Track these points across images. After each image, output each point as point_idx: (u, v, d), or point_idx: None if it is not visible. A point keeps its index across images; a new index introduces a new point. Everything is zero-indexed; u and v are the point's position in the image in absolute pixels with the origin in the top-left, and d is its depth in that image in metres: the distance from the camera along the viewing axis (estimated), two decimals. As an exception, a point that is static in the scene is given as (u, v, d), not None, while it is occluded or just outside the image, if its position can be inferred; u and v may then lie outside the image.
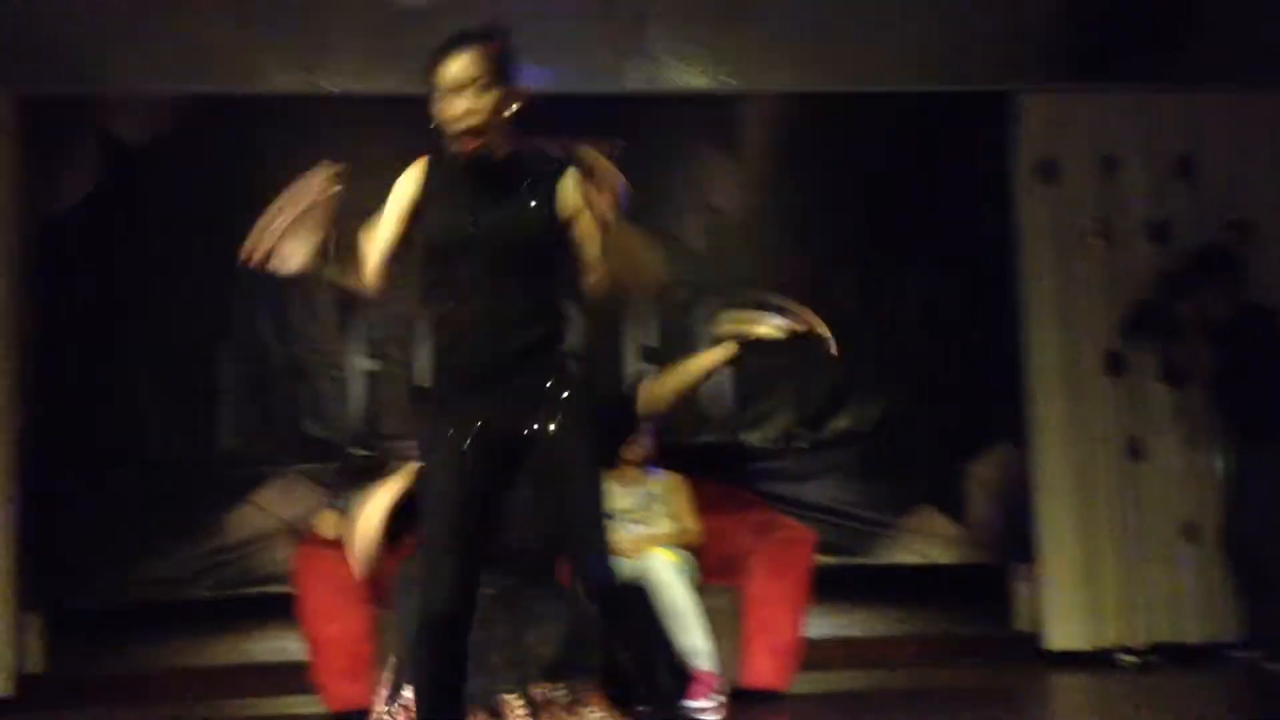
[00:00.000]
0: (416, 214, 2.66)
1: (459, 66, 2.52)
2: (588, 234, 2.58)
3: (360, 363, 5.28)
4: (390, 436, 5.12)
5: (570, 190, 2.59)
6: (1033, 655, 5.08)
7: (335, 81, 5.16)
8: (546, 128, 5.45)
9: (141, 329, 5.15)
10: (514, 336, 2.58)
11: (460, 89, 2.52)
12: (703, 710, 4.03)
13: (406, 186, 2.70)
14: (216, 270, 5.17)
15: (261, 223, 2.47)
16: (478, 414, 2.57)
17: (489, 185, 2.60)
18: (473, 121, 2.52)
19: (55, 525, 4.94)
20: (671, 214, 5.45)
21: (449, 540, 2.53)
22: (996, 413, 5.35)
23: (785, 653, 4.41)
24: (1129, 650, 5.05)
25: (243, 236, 5.46)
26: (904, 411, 5.39)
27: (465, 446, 2.55)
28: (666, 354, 5.39)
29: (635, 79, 5.27)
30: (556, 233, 2.61)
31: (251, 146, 5.23)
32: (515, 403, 2.57)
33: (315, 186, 2.47)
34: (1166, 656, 5.03)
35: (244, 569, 5.13)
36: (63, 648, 5.02)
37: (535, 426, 2.58)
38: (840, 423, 5.41)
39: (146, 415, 5.11)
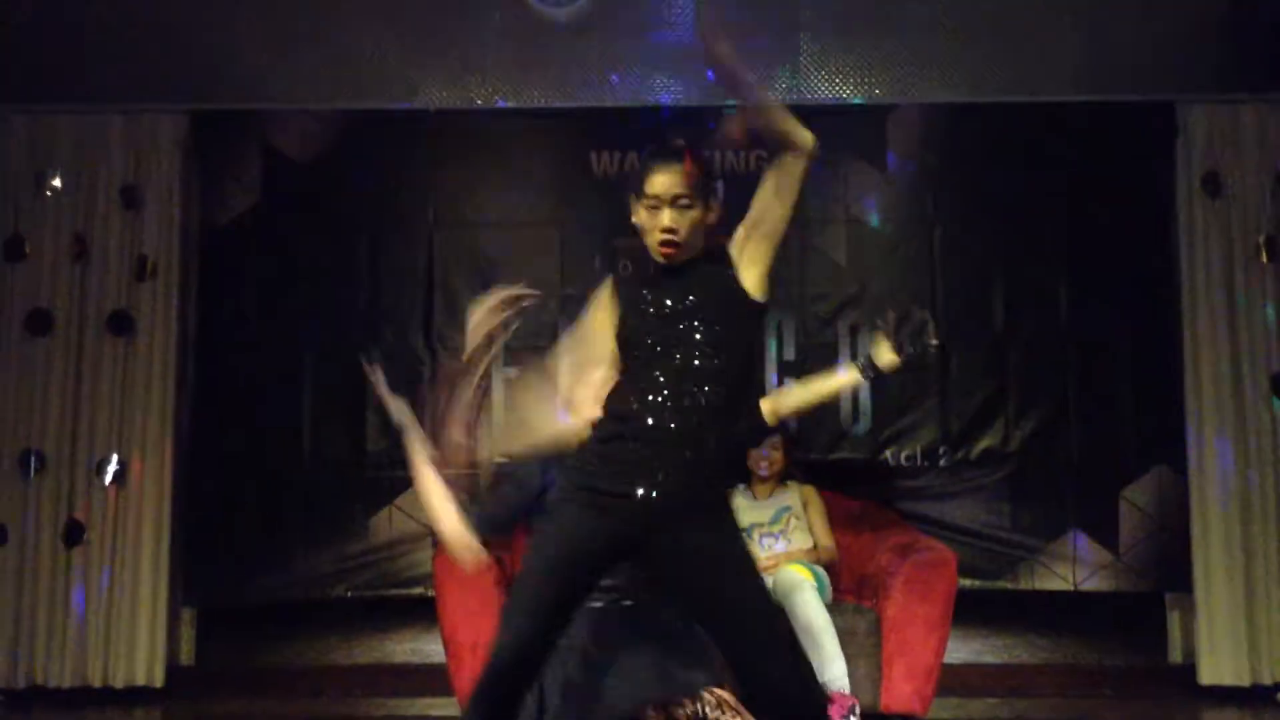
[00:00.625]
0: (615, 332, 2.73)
1: (667, 181, 2.62)
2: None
3: (503, 371, 5.37)
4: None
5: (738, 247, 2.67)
6: (1186, 689, 4.87)
7: (487, 95, 5.26)
8: (698, 138, 5.51)
9: (298, 336, 5.34)
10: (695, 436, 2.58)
11: (666, 202, 2.63)
12: None
13: (599, 313, 2.79)
14: (369, 280, 5.37)
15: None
16: (625, 504, 2.54)
17: (676, 285, 2.69)
18: (674, 237, 2.63)
19: (210, 523, 5.15)
20: (816, 226, 5.41)
21: (533, 604, 2.54)
22: (1153, 435, 5.16)
23: (924, 677, 4.31)
24: (1290, 688, 4.80)
25: (395, 247, 5.65)
26: (1054, 431, 5.24)
27: (596, 530, 2.55)
28: (804, 368, 5.35)
29: (783, 89, 5.24)
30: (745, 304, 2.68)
31: (408, 160, 5.39)
32: (667, 504, 2.53)
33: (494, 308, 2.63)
34: (1331, 696, 4.77)
35: (386, 571, 5.26)
36: (212, 641, 5.23)
37: (682, 536, 2.53)
38: (987, 441, 5.28)
39: (300, 420, 5.29)
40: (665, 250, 2.64)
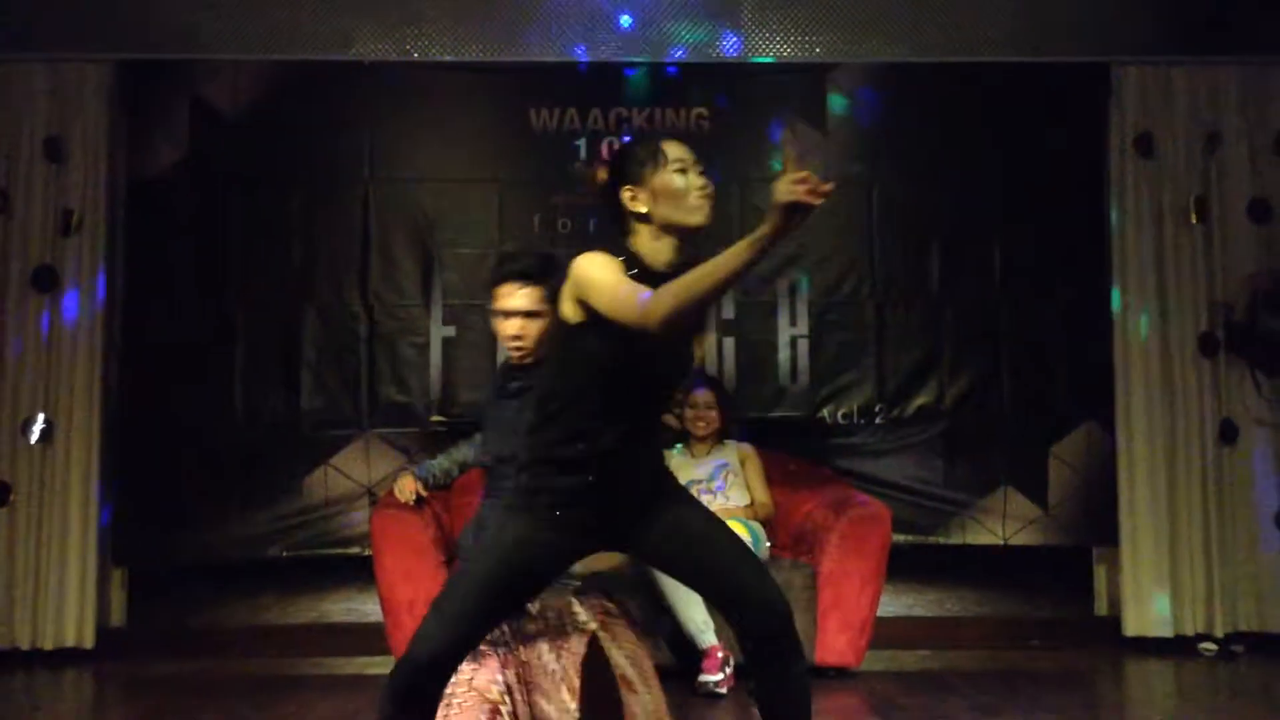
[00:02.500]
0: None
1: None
2: None
3: (439, 330, 5.33)
4: (467, 403, 5.18)
5: None
6: (1111, 640, 5.00)
7: (424, 48, 5.18)
8: (625, 94, 5.44)
9: (228, 293, 5.25)
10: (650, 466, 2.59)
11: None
12: None
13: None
14: (303, 236, 5.28)
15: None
16: (581, 529, 2.51)
17: None
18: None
19: (141, 483, 5.07)
20: (755, 185, 5.40)
21: (461, 619, 2.46)
22: (1083, 393, 5.25)
23: (858, 630, 4.39)
24: (1210, 638, 4.94)
25: (329, 202, 5.56)
26: (987, 389, 5.32)
27: (543, 554, 2.50)
28: (743, 327, 5.37)
29: (726, 47, 5.22)
30: None
31: (342, 114, 5.30)
32: (624, 517, 2.54)
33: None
34: (1250, 645, 4.92)
35: (322, 531, 5.22)
36: (144, 603, 5.16)
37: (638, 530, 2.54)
38: (921, 399, 5.34)
39: (233, 378, 5.21)
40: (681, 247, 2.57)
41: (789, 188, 2.20)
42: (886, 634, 4.71)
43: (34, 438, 4.85)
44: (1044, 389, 5.31)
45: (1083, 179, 5.28)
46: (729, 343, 5.39)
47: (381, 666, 4.54)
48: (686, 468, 4.73)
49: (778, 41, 5.25)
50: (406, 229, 5.34)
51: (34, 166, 4.94)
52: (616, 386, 2.46)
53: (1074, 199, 5.31)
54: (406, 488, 4.60)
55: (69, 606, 4.82)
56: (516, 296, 3.14)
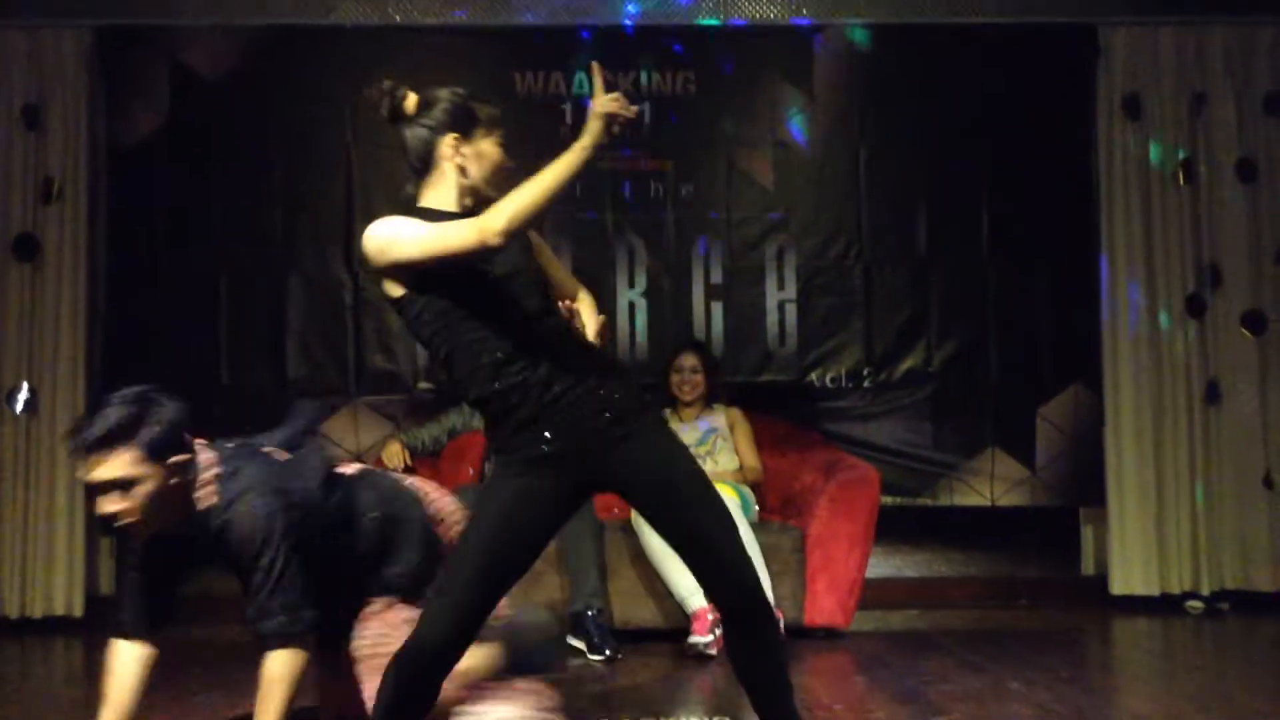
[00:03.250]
0: None
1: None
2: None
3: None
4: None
5: None
6: (1098, 599, 5.04)
7: (406, 12, 5.13)
8: (614, 59, 5.42)
9: (212, 260, 5.21)
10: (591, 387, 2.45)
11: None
12: None
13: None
14: (286, 203, 5.25)
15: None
16: (548, 465, 2.42)
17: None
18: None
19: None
20: (742, 150, 5.39)
21: (465, 589, 2.39)
22: (1070, 354, 5.27)
23: (847, 591, 4.42)
24: (1197, 596, 4.98)
25: (312, 169, 5.53)
26: (974, 352, 5.32)
27: (522, 501, 2.42)
28: (730, 292, 5.36)
29: (710, 9, 5.18)
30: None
31: (324, 79, 5.24)
32: (589, 448, 2.43)
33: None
34: (1236, 604, 4.96)
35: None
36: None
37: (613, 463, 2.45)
38: (909, 362, 5.34)
39: (216, 346, 5.18)
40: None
41: (606, 101, 2.31)
42: (875, 595, 4.74)
43: (18, 407, 4.82)
44: (1031, 351, 5.32)
45: (1070, 141, 5.26)
46: (717, 307, 5.38)
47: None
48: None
49: (764, 4, 5.21)
50: (390, 196, 5.29)
51: (13, 134, 4.90)
52: (482, 318, 2.41)
53: (1062, 161, 5.30)
54: (395, 455, 4.61)
55: (58, 575, 4.81)
56: (99, 468, 2.47)
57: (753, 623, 2.49)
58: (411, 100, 2.52)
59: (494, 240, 2.29)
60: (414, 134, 2.52)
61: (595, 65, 2.44)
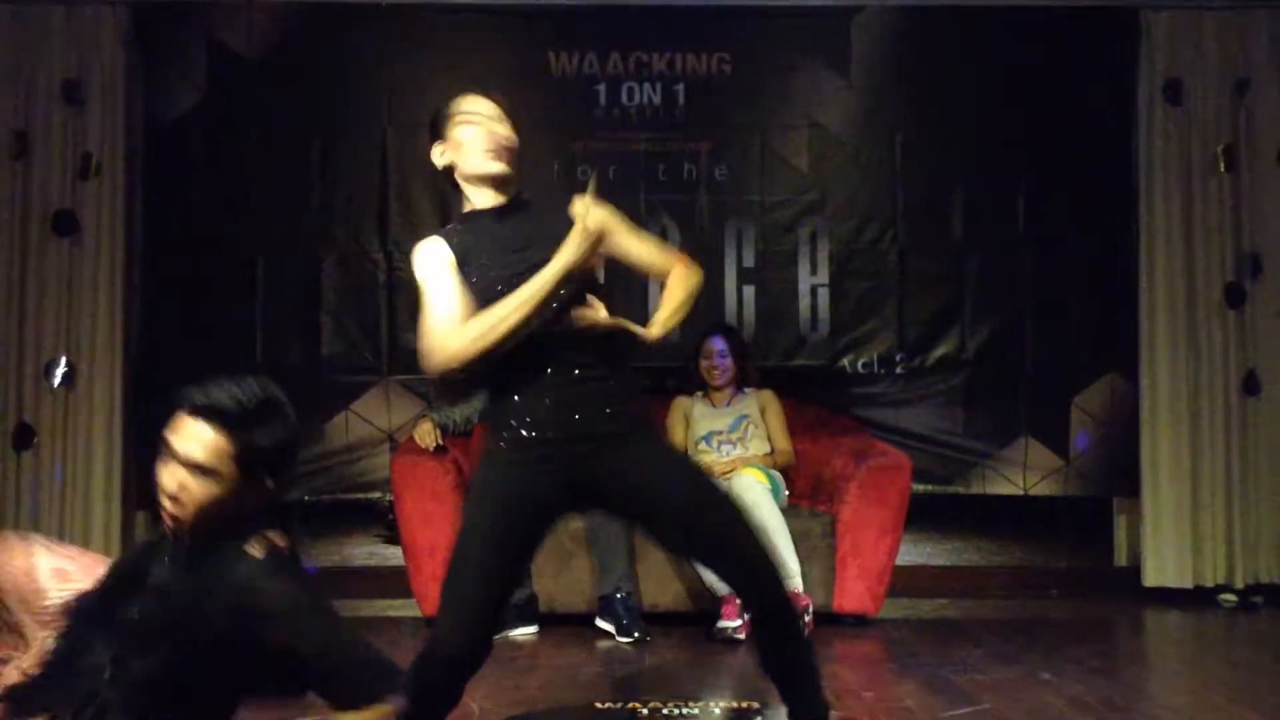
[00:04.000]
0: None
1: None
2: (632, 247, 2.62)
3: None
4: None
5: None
6: (1131, 591, 5.01)
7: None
8: (648, 39, 5.39)
9: (248, 237, 5.24)
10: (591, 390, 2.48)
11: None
12: None
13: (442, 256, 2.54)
14: (321, 181, 5.26)
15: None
16: (537, 459, 2.45)
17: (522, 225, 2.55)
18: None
19: (162, 427, 5.08)
20: (777, 132, 5.35)
21: (477, 582, 2.42)
22: (1106, 343, 5.21)
23: (876, 578, 4.41)
24: (1230, 589, 4.94)
25: (348, 148, 5.54)
26: (1009, 339, 5.27)
27: (512, 492, 2.46)
28: (763, 275, 5.34)
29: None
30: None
31: (360, 57, 5.25)
32: (579, 441, 2.45)
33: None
34: (1270, 598, 4.92)
35: (343, 475, 5.24)
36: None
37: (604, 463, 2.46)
38: (943, 349, 5.30)
39: (254, 323, 5.21)
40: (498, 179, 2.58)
41: (597, 218, 2.37)
42: (905, 583, 4.73)
43: (56, 381, 4.87)
44: (1067, 339, 5.26)
45: (1110, 126, 5.20)
46: (749, 291, 5.35)
47: (403, 609, 4.58)
48: (706, 418, 4.73)
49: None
50: (425, 175, 5.29)
51: (52, 110, 4.93)
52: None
53: (1101, 147, 5.23)
54: (427, 433, 4.63)
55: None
56: (189, 438, 2.18)
57: (776, 620, 2.50)
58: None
59: (449, 366, 2.39)
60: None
61: (592, 178, 2.46)
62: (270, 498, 2.24)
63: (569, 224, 2.48)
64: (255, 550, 2.17)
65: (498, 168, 2.54)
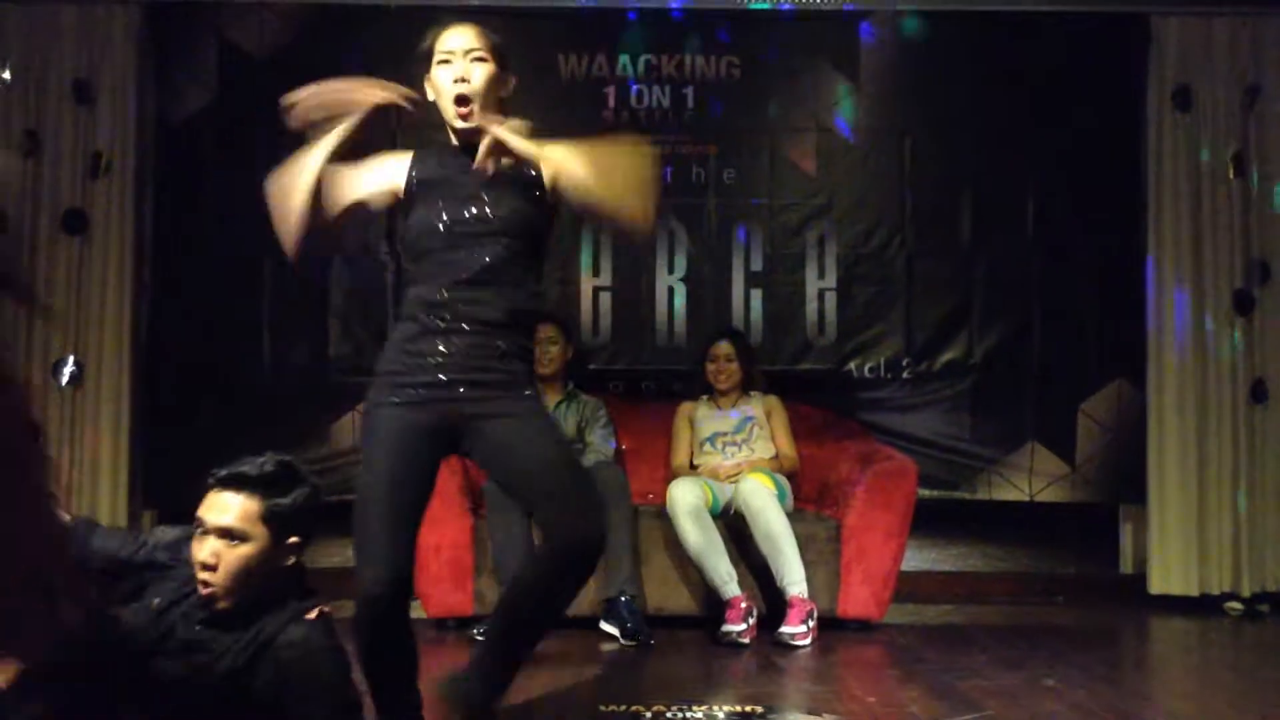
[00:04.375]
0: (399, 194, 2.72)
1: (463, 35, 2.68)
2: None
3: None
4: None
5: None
6: (1136, 598, 4.99)
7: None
8: (658, 42, 5.39)
9: (257, 237, 5.22)
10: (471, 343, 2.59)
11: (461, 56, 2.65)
12: (795, 636, 4.05)
13: (388, 159, 2.76)
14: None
15: (322, 86, 2.63)
16: (431, 395, 2.56)
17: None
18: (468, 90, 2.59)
19: (170, 426, 5.11)
20: (785, 135, 5.35)
21: (385, 520, 2.51)
22: (1114, 349, 5.21)
23: (882, 583, 4.40)
24: (1236, 598, 4.92)
25: (357, 148, 5.52)
26: (1016, 344, 5.27)
27: (395, 426, 2.56)
28: (771, 279, 5.34)
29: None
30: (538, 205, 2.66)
31: (369, 58, 5.24)
32: (470, 388, 2.56)
33: (385, 93, 2.57)
34: (1276, 606, 4.90)
35: (349, 476, 5.23)
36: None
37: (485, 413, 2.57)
38: (950, 354, 5.30)
39: (260, 323, 5.22)
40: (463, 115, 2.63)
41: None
42: (910, 588, 4.73)
43: (64, 380, 4.88)
44: (1074, 345, 5.26)
45: (1119, 132, 5.19)
46: (756, 294, 5.36)
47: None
48: (712, 420, 4.73)
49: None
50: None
51: (63, 108, 4.94)
52: (406, 244, 2.67)
53: (1110, 152, 5.23)
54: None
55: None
56: (218, 507, 2.36)
57: (545, 574, 2.56)
58: None
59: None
60: None
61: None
62: (300, 562, 2.39)
63: (519, 170, 2.58)
64: (311, 614, 2.33)
65: (461, 125, 2.63)
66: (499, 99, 2.65)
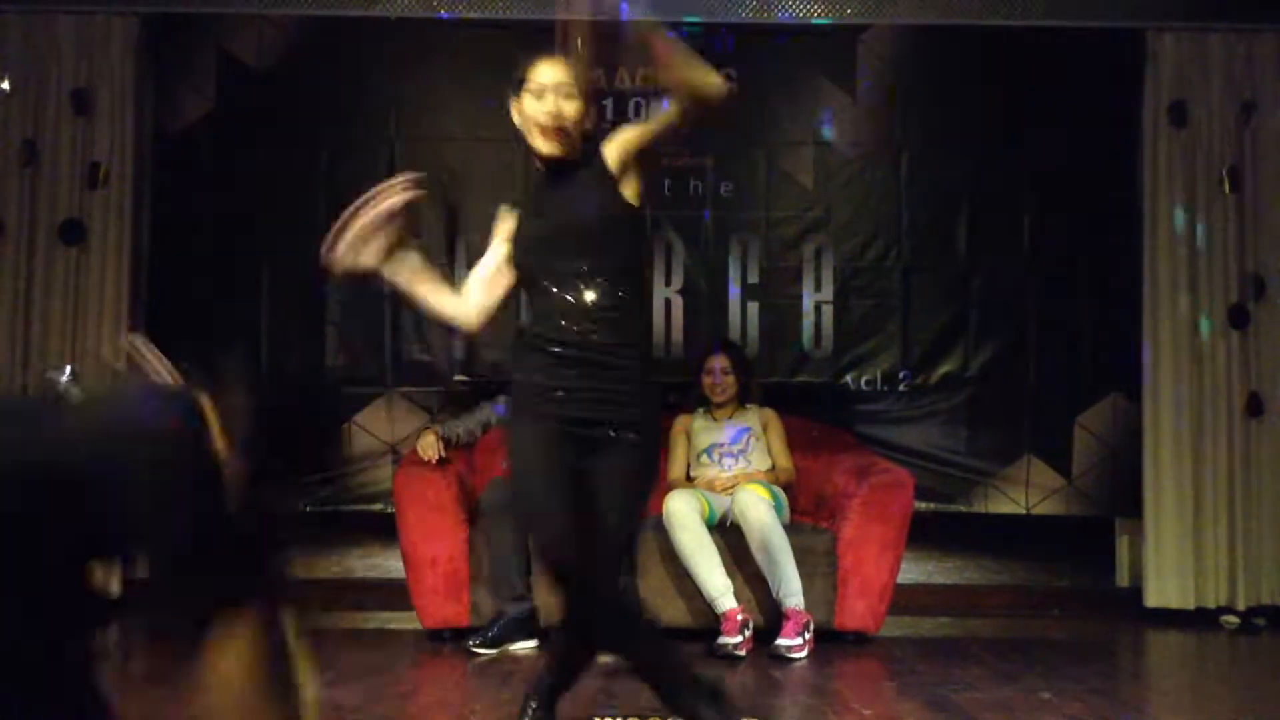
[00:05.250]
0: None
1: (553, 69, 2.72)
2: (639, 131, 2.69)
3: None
4: (491, 363, 5.18)
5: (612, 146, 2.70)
6: (1132, 611, 5.00)
7: (450, 5, 5.15)
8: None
9: (253, 249, 5.25)
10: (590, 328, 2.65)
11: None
12: (792, 648, 4.04)
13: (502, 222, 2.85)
14: (328, 193, 5.27)
15: (340, 223, 2.58)
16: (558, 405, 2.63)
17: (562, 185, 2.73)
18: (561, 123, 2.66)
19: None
20: (782, 148, 5.37)
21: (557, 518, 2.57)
22: (1110, 363, 5.22)
23: (878, 596, 4.40)
24: (1232, 611, 4.93)
25: (355, 159, 5.57)
26: (1013, 358, 5.28)
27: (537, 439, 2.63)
28: (768, 291, 5.35)
29: (752, 9, 5.17)
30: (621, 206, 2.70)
31: (368, 69, 5.28)
32: (591, 401, 2.63)
33: (395, 193, 2.57)
34: (1272, 620, 4.91)
35: (345, 487, 5.25)
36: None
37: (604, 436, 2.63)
38: (946, 367, 5.31)
39: (255, 333, 5.23)
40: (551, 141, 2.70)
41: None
42: (906, 601, 4.72)
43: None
44: (1070, 359, 5.27)
45: (1115, 147, 5.22)
46: (753, 307, 5.36)
47: (403, 622, 4.57)
48: (708, 432, 4.73)
49: (807, 3, 5.19)
50: (431, 187, 5.32)
51: (61, 119, 4.95)
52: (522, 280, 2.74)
53: (1106, 167, 5.25)
54: (429, 446, 4.63)
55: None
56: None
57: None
58: None
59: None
60: None
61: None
62: None
63: (598, 186, 2.64)
64: None
65: (546, 150, 2.70)
66: (583, 131, 2.73)
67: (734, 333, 5.28)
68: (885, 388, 5.32)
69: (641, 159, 2.68)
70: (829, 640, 4.29)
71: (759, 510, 4.25)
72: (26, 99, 4.94)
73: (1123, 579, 5.24)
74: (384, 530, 4.94)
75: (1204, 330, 5.00)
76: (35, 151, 4.92)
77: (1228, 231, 5.02)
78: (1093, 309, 5.27)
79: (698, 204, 5.35)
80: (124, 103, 4.98)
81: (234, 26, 5.22)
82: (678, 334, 5.36)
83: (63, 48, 4.97)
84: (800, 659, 4.04)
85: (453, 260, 5.31)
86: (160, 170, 5.15)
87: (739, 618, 4.12)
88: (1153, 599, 4.97)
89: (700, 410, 4.79)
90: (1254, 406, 4.98)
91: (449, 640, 4.35)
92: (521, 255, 2.73)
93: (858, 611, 4.38)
